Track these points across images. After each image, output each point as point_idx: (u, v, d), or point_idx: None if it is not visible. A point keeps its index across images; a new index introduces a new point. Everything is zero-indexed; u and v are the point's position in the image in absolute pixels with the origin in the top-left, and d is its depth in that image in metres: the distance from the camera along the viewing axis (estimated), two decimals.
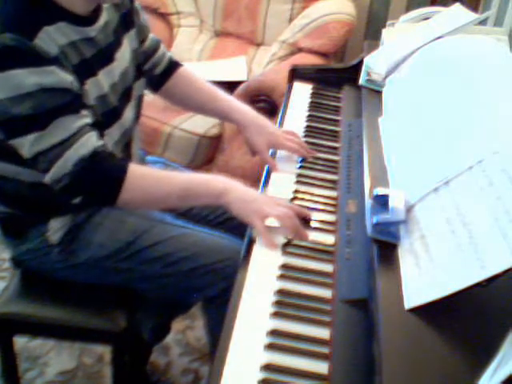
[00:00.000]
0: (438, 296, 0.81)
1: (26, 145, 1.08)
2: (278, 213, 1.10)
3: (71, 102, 1.09)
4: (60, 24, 1.10)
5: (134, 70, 1.33)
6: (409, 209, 0.98)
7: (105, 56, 1.21)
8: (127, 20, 1.31)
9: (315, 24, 2.38)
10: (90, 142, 1.10)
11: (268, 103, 2.14)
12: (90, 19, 1.16)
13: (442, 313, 0.82)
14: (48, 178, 1.11)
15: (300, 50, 2.41)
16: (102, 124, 1.18)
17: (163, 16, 2.63)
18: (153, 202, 1.20)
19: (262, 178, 1.30)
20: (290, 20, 2.50)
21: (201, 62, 2.53)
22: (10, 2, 1.07)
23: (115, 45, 1.25)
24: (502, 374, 0.67)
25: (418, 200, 0.98)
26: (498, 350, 0.72)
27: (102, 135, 1.17)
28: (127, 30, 1.31)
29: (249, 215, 1.11)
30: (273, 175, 1.30)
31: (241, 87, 2.18)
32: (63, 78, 1.07)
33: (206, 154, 2.28)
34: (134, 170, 1.14)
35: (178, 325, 1.92)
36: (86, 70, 1.14)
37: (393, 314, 0.83)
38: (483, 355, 0.72)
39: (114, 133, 1.23)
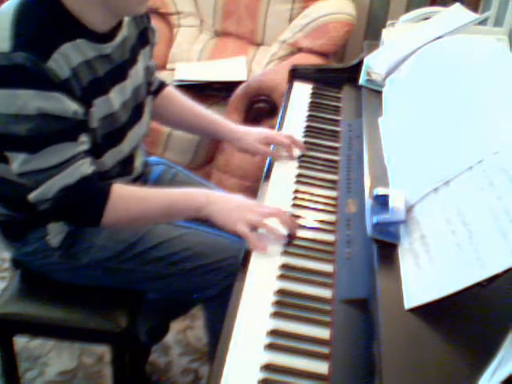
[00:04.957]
0: (438, 296, 0.81)
1: (16, 161, 1.08)
2: (262, 214, 1.11)
3: (69, 130, 1.09)
4: (78, 41, 1.10)
5: (146, 87, 1.34)
6: (409, 209, 0.98)
7: (119, 73, 1.21)
8: (144, 36, 1.32)
9: (315, 24, 2.38)
10: (79, 170, 1.10)
11: (268, 103, 2.14)
12: (108, 36, 1.17)
13: (442, 313, 0.82)
14: (31, 197, 1.11)
15: (300, 50, 2.41)
16: (105, 145, 1.19)
17: (163, 16, 2.63)
18: (136, 222, 1.22)
19: (262, 179, 1.30)
20: (290, 20, 2.50)
21: (201, 62, 2.53)
22: (31, 16, 1.06)
23: (130, 62, 1.25)
24: (502, 374, 0.67)
25: (417, 200, 0.98)
26: (498, 350, 0.72)
27: (100, 157, 1.18)
28: (143, 46, 1.32)
29: (232, 224, 1.12)
30: (273, 175, 1.30)
31: (241, 87, 2.18)
32: (67, 106, 1.06)
33: (206, 154, 2.28)
34: (117, 193, 1.15)
35: (177, 325, 1.92)
36: (97, 88, 1.15)
37: (393, 314, 0.83)
38: (483, 355, 0.73)
39: (118, 153, 1.24)
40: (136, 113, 1.29)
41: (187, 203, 1.18)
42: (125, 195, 1.17)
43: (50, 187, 1.09)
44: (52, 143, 1.07)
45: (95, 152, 1.16)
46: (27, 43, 1.03)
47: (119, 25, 1.20)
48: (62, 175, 1.09)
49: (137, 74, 1.28)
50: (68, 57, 1.07)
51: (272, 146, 1.41)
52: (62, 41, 1.07)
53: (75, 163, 1.10)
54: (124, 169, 1.29)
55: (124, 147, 1.25)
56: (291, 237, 1.10)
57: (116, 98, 1.20)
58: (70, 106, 1.06)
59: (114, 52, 1.19)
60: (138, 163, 1.36)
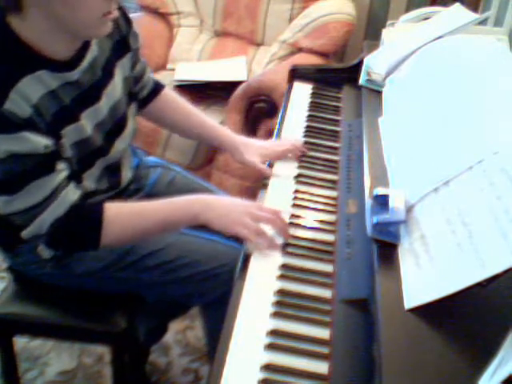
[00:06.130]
0: (438, 296, 0.81)
1: (0, 203, 1.06)
2: (258, 219, 1.10)
3: (44, 164, 1.05)
4: (39, 73, 1.04)
5: (126, 98, 1.28)
6: (409, 209, 0.98)
7: (89, 97, 1.16)
8: (122, 45, 1.25)
9: (315, 24, 2.38)
10: (66, 200, 1.08)
11: (268, 103, 2.14)
12: (73, 62, 1.10)
13: (442, 313, 0.82)
14: (24, 234, 1.09)
15: (300, 49, 2.41)
16: (82, 167, 1.15)
17: (163, 16, 2.63)
18: (135, 238, 1.19)
19: (262, 179, 1.30)
20: (290, 20, 2.50)
21: (201, 62, 2.53)
22: None
23: (104, 81, 1.19)
24: (502, 374, 0.67)
25: (417, 200, 0.98)
26: (498, 350, 0.72)
27: (81, 179, 1.15)
28: (120, 56, 1.25)
29: (230, 227, 1.10)
30: (273, 175, 1.30)
31: (240, 87, 2.18)
32: (35, 143, 1.01)
33: (206, 154, 2.28)
34: (110, 212, 1.12)
35: (177, 325, 1.92)
36: (65, 116, 1.10)
37: (393, 314, 0.83)
38: (483, 355, 0.73)
39: (97, 170, 1.20)
40: (116, 128, 1.24)
41: (183, 213, 1.15)
42: (118, 213, 1.14)
43: (42, 223, 1.07)
44: (30, 181, 1.03)
45: (74, 177, 1.12)
46: None
47: (86, 45, 1.14)
48: (51, 209, 1.06)
49: (113, 90, 1.22)
50: (27, 93, 1.01)
51: None
52: (20, 76, 1.01)
53: (61, 193, 1.07)
54: (110, 184, 1.26)
55: (103, 162, 1.21)
56: (284, 243, 1.09)
57: (88, 122, 1.15)
58: (39, 142, 1.02)
59: (82, 77, 1.13)
60: (125, 174, 1.32)
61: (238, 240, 1.14)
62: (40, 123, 1.04)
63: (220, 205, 1.14)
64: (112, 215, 1.12)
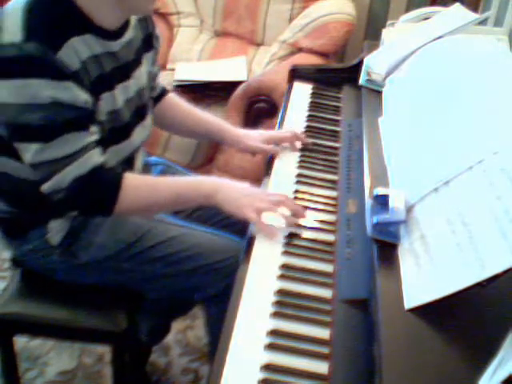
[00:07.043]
0: (438, 296, 0.81)
1: (29, 152, 1.09)
2: (271, 203, 1.13)
3: (81, 119, 1.10)
4: (87, 36, 1.12)
5: (149, 92, 1.36)
6: (409, 209, 0.98)
7: (123, 72, 1.23)
8: (148, 41, 1.34)
9: (315, 24, 2.38)
10: (91, 160, 1.12)
11: (268, 103, 2.14)
12: (115, 34, 1.19)
13: (442, 313, 0.82)
14: (45, 187, 1.12)
15: (300, 50, 2.41)
16: (109, 140, 1.20)
17: (163, 16, 2.63)
18: (147, 209, 1.24)
19: (264, 174, 1.30)
20: (290, 20, 2.50)
21: (201, 62, 2.53)
22: (41, 10, 1.07)
23: (135, 63, 1.27)
24: (502, 374, 0.67)
25: (418, 200, 0.98)
26: (498, 350, 0.72)
27: (105, 151, 1.19)
28: (147, 50, 1.34)
29: (241, 211, 1.14)
30: (273, 175, 1.30)
31: (240, 87, 2.18)
32: (78, 95, 1.07)
33: (206, 153, 2.28)
34: (128, 181, 1.17)
35: (178, 325, 1.92)
36: (103, 83, 1.16)
37: (393, 314, 0.83)
38: (483, 355, 0.73)
39: (120, 151, 1.24)
40: (139, 113, 1.30)
41: (195, 192, 1.21)
42: (136, 184, 1.19)
43: (64, 177, 1.11)
44: (65, 132, 1.08)
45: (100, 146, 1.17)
46: (39, 34, 1.04)
47: (126, 25, 1.22)
48: (75, 165, 1.10)
49: (140, 76, 1.29)
50: (77, 50, 1.09)
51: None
52: (71, 34, 1.08)
53: (87, 153, 1.11)
54: (125, 169, 1.29)
55: (126, 146, 1.26)
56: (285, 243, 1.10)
57: (120, 95, 1.21)
58: (80, 95, 1.08)
59: (121, 50, 1.21)
60: (139, 164, 1.37)
61: (241, 233, 1.17)
62: (85, 80, 1.10)
63: (232, 189, 1.19)
64: (130, 184, 1.17)
